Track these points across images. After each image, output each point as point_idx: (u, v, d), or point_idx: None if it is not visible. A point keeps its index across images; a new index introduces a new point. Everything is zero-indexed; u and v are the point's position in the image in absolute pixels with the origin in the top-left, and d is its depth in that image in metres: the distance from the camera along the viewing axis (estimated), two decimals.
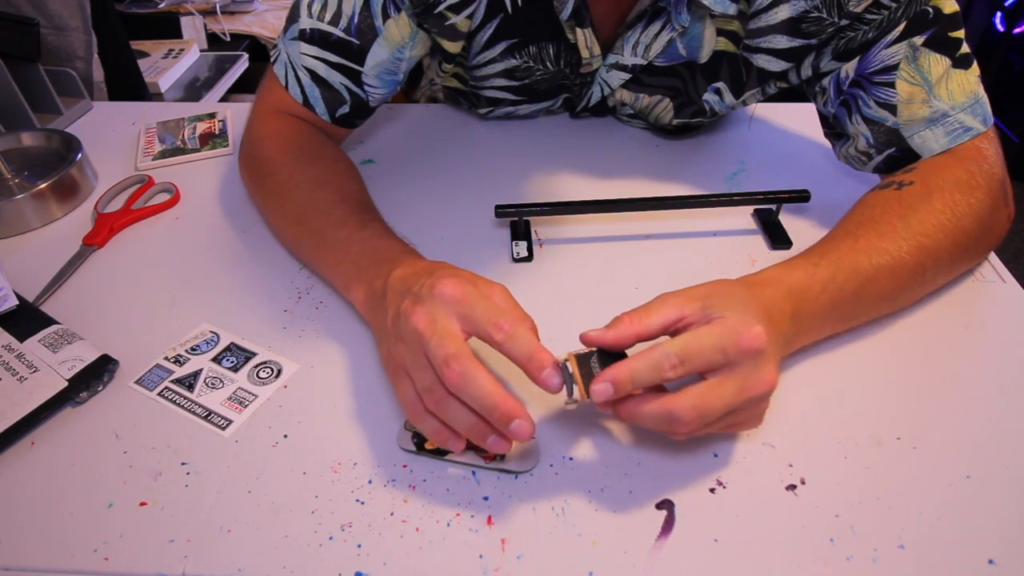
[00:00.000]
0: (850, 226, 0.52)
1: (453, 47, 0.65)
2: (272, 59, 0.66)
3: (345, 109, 0.65)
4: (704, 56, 0.64)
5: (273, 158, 0.63)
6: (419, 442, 0.45)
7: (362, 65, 0.62)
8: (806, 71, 0.62)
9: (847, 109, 0.60)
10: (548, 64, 0.68)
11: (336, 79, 0.63)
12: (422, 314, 0.41)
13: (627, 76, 0.67)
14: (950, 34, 0.54)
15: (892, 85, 0.56)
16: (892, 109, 0.57)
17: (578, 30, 0.63)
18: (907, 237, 0.50)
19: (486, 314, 0.40)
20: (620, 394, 0.39)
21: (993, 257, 0.60)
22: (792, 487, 0.43)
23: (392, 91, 0.67)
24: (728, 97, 0.67)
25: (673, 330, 0.41)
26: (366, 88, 0.64)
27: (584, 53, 0.65)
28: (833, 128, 0.64)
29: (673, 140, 0.76)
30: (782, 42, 0.59)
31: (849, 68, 0.58)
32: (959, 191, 0.53)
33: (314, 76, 0.63)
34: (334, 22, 0.60)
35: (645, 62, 0.65)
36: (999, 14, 2.25)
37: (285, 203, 0.60)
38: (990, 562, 0.39)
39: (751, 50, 0.61)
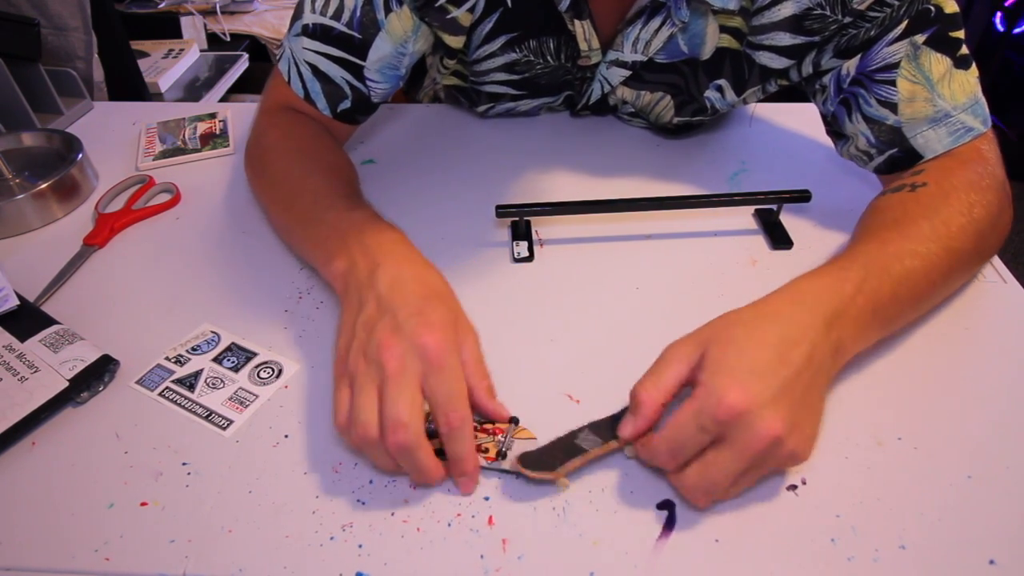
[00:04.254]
0: (873, 229, 0.51)
1: (455, 41, 0.65)
2: (278, 56, 0.66)
3: (347, 104, 0.65)
4: (706, 53, 0.63)
5: (270, 151, 0.64)
6: None
7: (364, 59, 0.62)
8: (807, 68, 0.62)
9: (846, 108, 0.60)
10: (548, 58, 0.68)
11: (337, 73, 0.63)
12: (396, 352, 0.42)
13: (627, 73, 0.67)
14: (951, 34, 0.54)
15: (893, 83, 0.56)
16: (893, 107, 0.57)
17: (576, 22, 0.63)
18: (934, 239, 0.49)
19: (445, 397, 0.41)
20: None
21: (994, 258, 0.60)
22: (793, 487, 0.43)
23: (394, 86, 0.67)
24: (730, 95, 0.67)
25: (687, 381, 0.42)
26: (368, 83, 0.64)
27: (583, 46, 0.65)
28: (832, 127, 0.64)
29: (673, 140, 0.76)
30: (785, 39, 0.59)
31: (850, 66, 0.58)
32: (973, 192, 0.52)
33: (315, 71, 0.63)
34: (336, 16, 0.61)
35: (645, 58, 0.65)
36: (999, 14, 2.25)
37: (277, 191, 0.61)
38: (991, 562, 0.39)
39: (754, 47, 0.61)
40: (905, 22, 0.54)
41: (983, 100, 0.56)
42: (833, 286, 0.44)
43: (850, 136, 0.61)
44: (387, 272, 0.46)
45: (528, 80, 0.71)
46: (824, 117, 0.65)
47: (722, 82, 0.66)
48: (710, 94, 0.67)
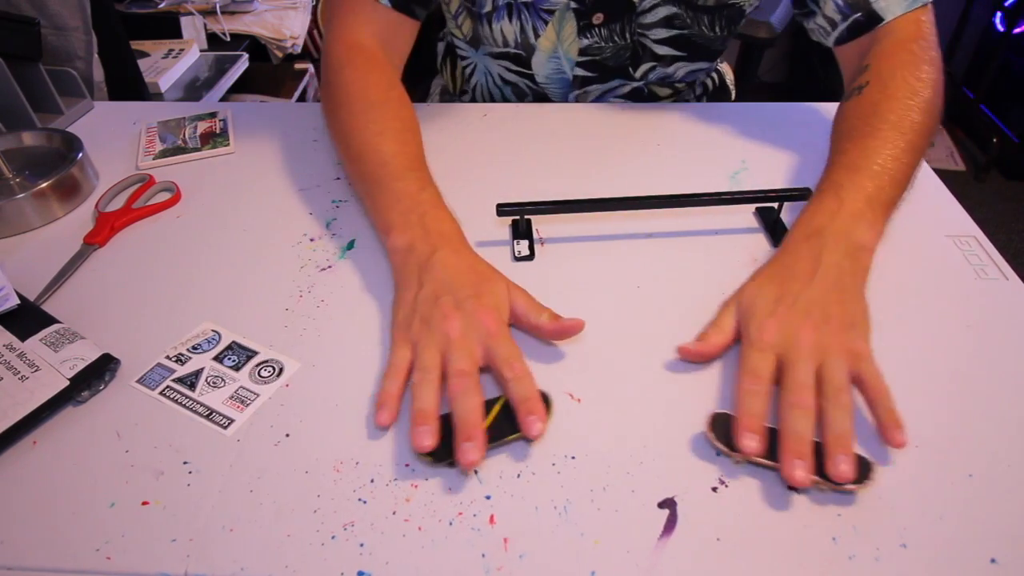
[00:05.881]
0: (836, 146, 0.60)
1: None
2: None
3: None
4: None
5: (344, 94, 0.67)
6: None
7: None
8: None
9: None
10: None
11: None
12: (458, 324, 0.49)
13: None
14: None
15: None
16: None
17: None
18: (887, 127, 0.58)
19: (505, 354, 0.47)
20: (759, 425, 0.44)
21: (995, 254, 0.60)
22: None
23: None
24: None
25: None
26: None
27: None
28: (804, 7, 0.70)
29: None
30: None
31: None
32: (908, 72, 0.61)
33: None
34: None
35: None
36: (999, 14, 2.25)
37: (350, 143, 0.64)
38: (992, 561, 0.39)
39: None
40: None
41: None
42: (817, 209, 0.55)
43: (821, 5, 0.68)
44: (443, 258, 0.52)
45: None
46: None
47: None
48: None
